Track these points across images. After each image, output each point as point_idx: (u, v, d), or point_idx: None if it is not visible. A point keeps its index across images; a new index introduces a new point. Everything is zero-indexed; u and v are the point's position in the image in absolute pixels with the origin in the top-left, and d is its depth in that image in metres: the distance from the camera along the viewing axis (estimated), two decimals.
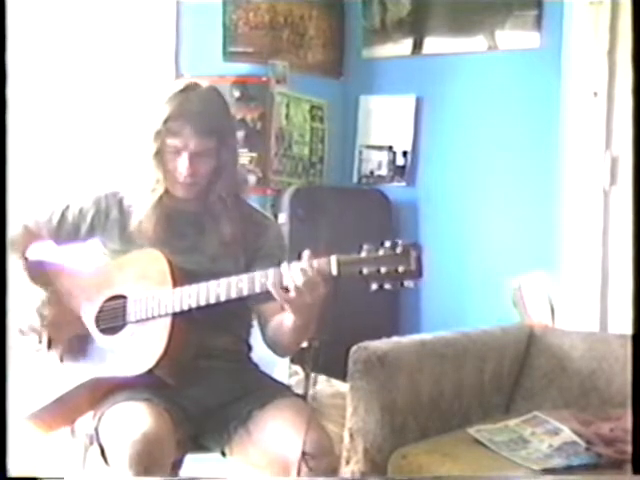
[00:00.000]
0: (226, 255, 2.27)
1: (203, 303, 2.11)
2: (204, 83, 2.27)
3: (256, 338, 2.35)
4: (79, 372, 2.21)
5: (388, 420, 2.52)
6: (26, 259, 2.33)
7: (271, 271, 2.04)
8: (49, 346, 2.28)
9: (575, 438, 2.39)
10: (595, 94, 3.22)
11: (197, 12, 3.47)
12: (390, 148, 3.77)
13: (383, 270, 1.94)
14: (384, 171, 3.78)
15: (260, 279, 2.06)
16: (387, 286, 1.96)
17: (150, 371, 2.12)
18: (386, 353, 2.53)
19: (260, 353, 2.36)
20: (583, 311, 3.25)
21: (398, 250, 1.95)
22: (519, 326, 3.19)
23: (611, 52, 3.19)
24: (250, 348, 2.38)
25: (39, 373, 2.27)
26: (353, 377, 2.53)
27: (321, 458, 2.04)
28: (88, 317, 2.26)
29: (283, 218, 3.49)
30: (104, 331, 2.23)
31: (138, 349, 2.16)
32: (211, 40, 3.52)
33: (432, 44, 3.65)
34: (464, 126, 3.59)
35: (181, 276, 2.17)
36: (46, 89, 3.22)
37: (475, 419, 2.72)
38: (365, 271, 1.95)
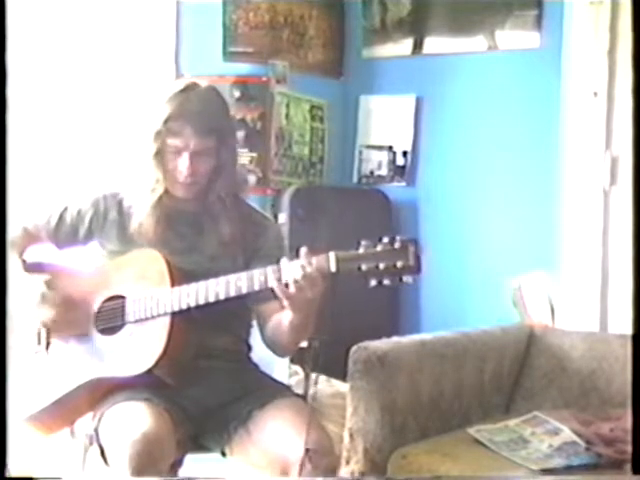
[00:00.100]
0: (225, 255, 2.27)
1: (202, 302, 2.12)
2: (203, 83, 2.27)
3: (256, 338, 2.35)
4: (78, 373, 2.21)
5: (388, 420, 2.52)
6: (24, 261, 2.33)
7: (270, 268, 2.05)
8: (48, 347, 2.28)
9: (575, 438, 2.39)
10: (595, 94, 3.22)
11: (197, 12, 3.47)
12: (390, 148, 3.77)
13: (382, 266, 1.94)
14: (384, 171, 3.78)
15: (259, 277, 2.06)
16: (386, 282, 1.96)
17: (149, 371, 2.12)
18: (386, 353, 2.53)
19: (260, 353, 2.36)
20: (583, 311, 3.25)
21: (396, 246, 1.95)
22: (519, 326, 3.19)
23: (611, 52, 3.19)
24: (250, 348, 2.38)
25: (38, 374, 2.27)
26: (353, 377, 2.53)
27: (321, 458, 2.04)
28: (87, 318, 2.26)
29: (283, 218, 3.49)
30: (103, 331, 2.23)
31: (137, 349, 2.16)
32: (211, 40, 3.52)
33: (432, 44, 3.65)
34: (464, 126, 3.59)
35: (179, 276, 2.17)
36: (46, 90, 3.22)
37: (475, 419, 2.72)
38: (364, 267, 1.96)
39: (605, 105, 3.21)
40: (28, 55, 3.12)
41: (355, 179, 3.85)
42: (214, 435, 2.21)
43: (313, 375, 2.70)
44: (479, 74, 3.57)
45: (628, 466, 2.16)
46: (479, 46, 3.54)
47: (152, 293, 2.17)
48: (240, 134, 3.40)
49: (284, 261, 2.03)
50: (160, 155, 2.21)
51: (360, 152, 3.84)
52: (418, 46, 3.69)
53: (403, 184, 3.74)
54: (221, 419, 2.19)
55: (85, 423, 2.26)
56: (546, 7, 3.38)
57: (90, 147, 3.31)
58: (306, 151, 3.76)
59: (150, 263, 2.21)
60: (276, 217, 3.47)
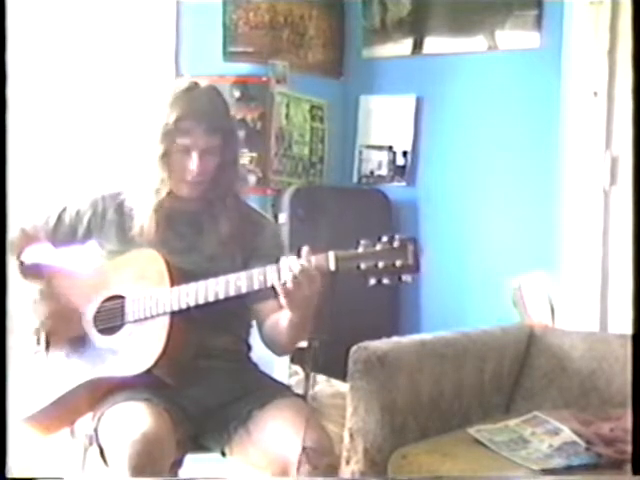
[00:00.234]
0: (224, 255, 2.27)
1: (202, 302, 2.12)
2: (203, 82, 2.28)
3: (256, 338, 2.35)
4: (78, 373, 2.21)
5: (388, 420, 2.52)
6: (22, 262, 2.33)
7: (269, 267, 2.05)
8: (47, 348, 2.28)
9: (575, 438, 2.39)
10: (595, 94, 3.22)
11: (197, 12, 3.47)
12: (390, 148, 3.77)
13: (381, 265, 1.94)
14: (384, 171, 3.78)
15: (258, 276, 2.06)
16: (385, 281, 1.96)
17: (149, 371, 2.12)
18: (386, 353, 2.53)
19: (260, 353, 2.36)
20: (583, 311, 3.25)
21: (395, 245, 1.95)
22: (519, 326, 3.19)
23: (611, 52, 3.19)
24: (250, 348, 2.38)
25: (38, 375, 2.27)
26: (353, 377, 2.53)
27: (321, 457, 2.04)
28: (86, 318, 2.26)
29: (283, 218, 3.49)
30: (102, 331, 2.23)
31: (137, 349, 2.16)
32: (211, 40, 3.52)
33: (432, 44, 3.65)
34: (464, 126, 3.59)
35: (179, 276, 2.17)
36: (46, 90, 3.21)
37: (475, 419, 2.72)
38: (363, 266, 1.96)
39: (605, 105, 3.21)
40: (28, 55, 3.12)
41: (355, 179, 3.84)
42: (214, 435, 2.21)
43: (313, 375, 2.70)
44: (479, 74, 3.57)
45: (628, 466, 2.16)
46: (479, 46, 3.54)
47: (151, 293, 2.17)
48: (240, 134, 3.39)
49: (284, 260, 2.03)
50: (167, 155, 2.21)
51: (360, 152, 3.83)
52: (418, 46, 3.69)
53: (403, 184, 3.73)
54: (221, 419, 2.19)
55: (85, 423, 2.26)
56: (546, 7, 3.38)
57: (89, 147, 3.31)
58: (306, 151, 3.76)
59: (149, 263, 2.21)
60: (276, 217, 3.47)
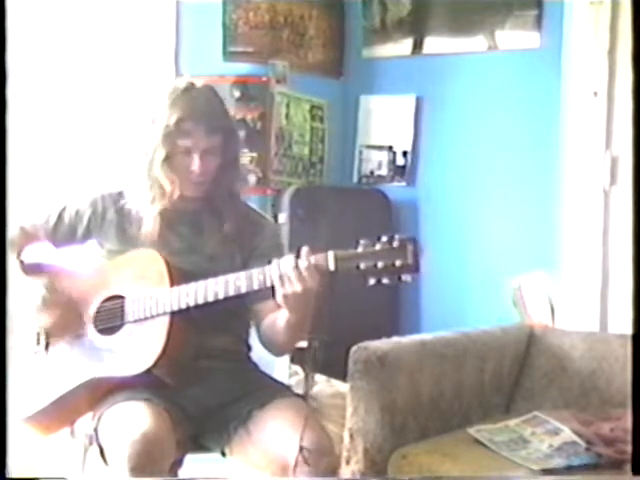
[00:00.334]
0: (223, 254, 2.27)
1: (201, 301, 2.12)
2: (199, 82, 2.27)
3: (256, 338, 2.35)
4: (78, 373, 2.21)
5: (388, 420, 2.52)
6: (22, 261, 2.33)
7: (268, 267, 2.05)
8: (47, 348, 2.28)
9: (575, 438, 2.39)
10: (595, 94, 3.22)
11: (197, 12, 3.47)
12: (390, 148, 3.77)
13: (380, 265, 1.94)
14: (384, 171, 3.78)
15: (258, 276, 2.06)
16: (385, 281, 1.96)
17: (149, 371, 2.12)
18: (386, 353, 2.53)
19: (260, 353, 2.36)
20: (583, 311, 3.25)
21: (395, 244, 1.95)
22: (519, 326, 3.19)
23: (611, 52, 3.19)
24: (250, 348, 2.38)
25: (38, 375, 2.27)
26: (353, 377, 2.53)
27: (320, 457, 2.04)
28: (86, 318, 2.26)
29: (283, 218, 3.49)
30: (102, 331, 2.23)
31: (136, 349, 2.16)
32: (211, 40, 3.52)
33: (432, 44, 3.65)
34: (464, 126, 3.59)
35: (179, 276, 2.17)
36: (46, 90, 3.21)
37: (475, 419, 2.72)
38: (362, 266, 1.96)
39: (605, 105, 3.21)
40: (28, 55, 3.12)
41: (355, 179, 3.84)
42: (214, 435, 2.21)
43: (312, 375, 2.70)
44: (479, 74, 3.57)
45: (628, 466, 2.16)
46: (479, 46, 3.54)
47: (151, 293, 2.17)
48: (240, 134, 3.39)
49: (283, 259, 2.03)
50: (169, 158, 2.21)
51: (360, 152, 3.84)
52: (418, 46, 3.69)
53: (403, 184, 3.73)
54: (221, 419, 2.19)
55: (85, 423, 2.26)
56: (546, 7, 3.38)
57: (89, 147, 3.31)
58: (306, 151, 3.76)
59: (149, 263, 2.21)
60: (276, 217, 3.47)
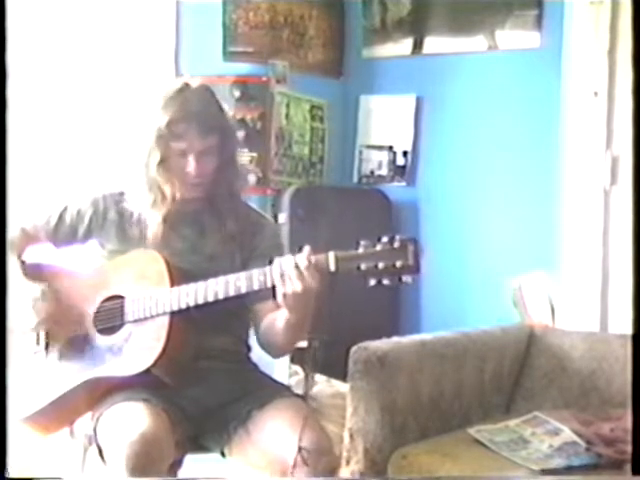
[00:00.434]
0: (223, 254, 2.27)
1: (201, 302, 2.11)
2: (194, 82, 2.26)
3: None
4: (77, 373, 2.21)
5: (388, 420, 2.52)
6: (23, 261, 2.33)
7: (269, 268, 2.04)
8: (47, 347, 2.28)
9: (575, 438, 2.39)
10: (595, 94, 3.22)
11: (197, 12, 3.47)
12: (390, 148, 3.77)
13: (381, 265, 1.94)
14: (384, 171, 3.78)
15: (258, 277, 2.06)
16: (385, 281, 1.96)
17: (148, 371, 2.12)
18: (386, 353, 2.53)
19: (260, 353, 2.36)
20: (583, 311, 3.25)
21: (395, 245, 1.95)
22: (519, 326, 3.19)
23: (611, 52, 3.19)
24: (250, 348, 2.38)
25: (37, 375, 2.26)
26: (353, 377, 2.53)
27: (319, 458, 2.03)
28: (86, 318, 2.25)
29: (283, 218, 3.49)
30: (102, 331, 2.23)
31: (136, 349, 2.16)
32: (211, 40, 3.52)
33: (432, 44, 3.65)
34: (464, 126, 3.59)
35: (179, 276, 2.17)
36: (46, 90, 3.21)
37: (475, 419, 2.71)
38: (363, 267, 1.95)
39: (605, 105, 3.21)
40: (28, 55, 3.12)
41: (355, 179, 3.84)
42: (213, 435, 2.21)
43: (312, 375, 2.70)
44: (479, 74, 3.57)
45: (628, 466, 2.16)
46: (479, 46, 3.54)
47: (151, 293, 2.17)
48: (240, 134, 3.40)
49: (283, 260, 2.03)
50: (164, 160, 2.20)
51: (360, 152, 3.84)
52: (418, 46, 3.69)
53: (403, 184, 3.73)
54: (220, 419, 2.19)
55: (84, 423, 2.26)
56: (546, 7, 3.38)
57: (90, 147, 3.31)
58: (306, 151, 3.76)
59: (149, 263, 2.21)
60: (276, 217, 3.47)
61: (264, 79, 3.59)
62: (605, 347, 2.84)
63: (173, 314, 2.14)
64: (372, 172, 3.81)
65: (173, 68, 3.42)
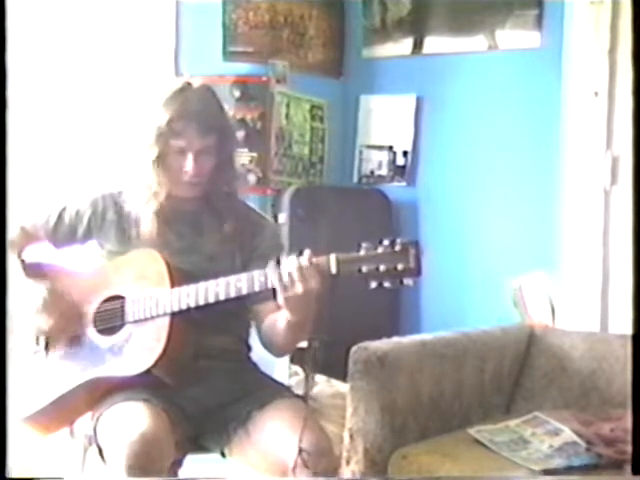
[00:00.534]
0: (223, 254, 2.27)
1: (202, 303, 2.11)
2: (196, 82, 2.27)
3: (256, 338, 2.35)
4: (77, 373, 2.21)
5: (388, 420, 2.52)
6: (23, 261, 2.33)
7: (270, 268, 2.04)
8: (47, 347, 2.28)
9: (575, 438, 2.39)
10: (596, 94, 3.22)
11: (197, 12, 3.47)
12: (390, 148, 3.77)
13: (382, 268, 1.94)
14: (384, 171, 3.78)
15: (259, 277, 2.06)
16: (386, 284, 1.96)
17: (148, 371, 2.12)
18: (386, 353, 2.53)
19: (260, 353, 2.36)
20: (583, 311, 3.25)
21: (397, 248, 1.95)
22: (519, 326, 3.19)
23: (612, 51, 3.19)
24: (250, 348, 2.38)
25: (37, 375, 2.26)
26: (353, 377, 2.53)
27: (319, 459, 2.03)
28: (86, 318, 2.25)
29: (283, 218, 3.49)
30: (102, 332, 2.23)
31: (136, 349, 2.16)
32: (211, 40, 3.52)
33: (432, 44, 3.65)
34: (464, 126, 3.59)
35: (179, 276, 2.17)
36: (46, 89, 3.21)
37: (475, 419, 2.71)
38: (364, 269, 1.95)
39: (606, 105, 3.21)
40: (28, 55, 3.12)
41: (355, 179, 3.84)
42: (213, 436, 2.21)
43: (312, 375, 2.70)
44: (479, 74, 3.57)
45: (628, 466, 2.16)
46: (479, 46, 3.54)
47: (151, 293, 2.17)
48: (240, 134, 3.40)
49: (285, 260, 2.03)
50: (162, 157, 2.21)
51: (360, 152, 3.83)
52: (418, 46, 3.69)
53: (403, 184, 3.73)
54: (220, 420, 2.19)
55: (84, 423, 2.26)
56: (546, 7, 3.38)
57: (90, 147, 3.31)
58: (306, 151, 3.76)
59: (149, 263, 2.21)
60: (276, 217, 3.47)
61: (264, 79, 3.59)
62: (605, 347, 2.84)
63: (173, 315, 2.14)
64: (372, 172, 3.81)
65: (173, 68, 3.43)
